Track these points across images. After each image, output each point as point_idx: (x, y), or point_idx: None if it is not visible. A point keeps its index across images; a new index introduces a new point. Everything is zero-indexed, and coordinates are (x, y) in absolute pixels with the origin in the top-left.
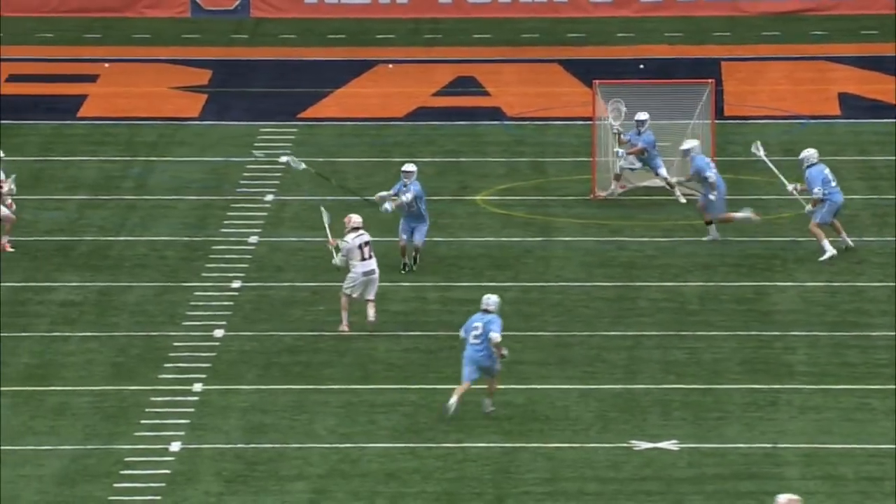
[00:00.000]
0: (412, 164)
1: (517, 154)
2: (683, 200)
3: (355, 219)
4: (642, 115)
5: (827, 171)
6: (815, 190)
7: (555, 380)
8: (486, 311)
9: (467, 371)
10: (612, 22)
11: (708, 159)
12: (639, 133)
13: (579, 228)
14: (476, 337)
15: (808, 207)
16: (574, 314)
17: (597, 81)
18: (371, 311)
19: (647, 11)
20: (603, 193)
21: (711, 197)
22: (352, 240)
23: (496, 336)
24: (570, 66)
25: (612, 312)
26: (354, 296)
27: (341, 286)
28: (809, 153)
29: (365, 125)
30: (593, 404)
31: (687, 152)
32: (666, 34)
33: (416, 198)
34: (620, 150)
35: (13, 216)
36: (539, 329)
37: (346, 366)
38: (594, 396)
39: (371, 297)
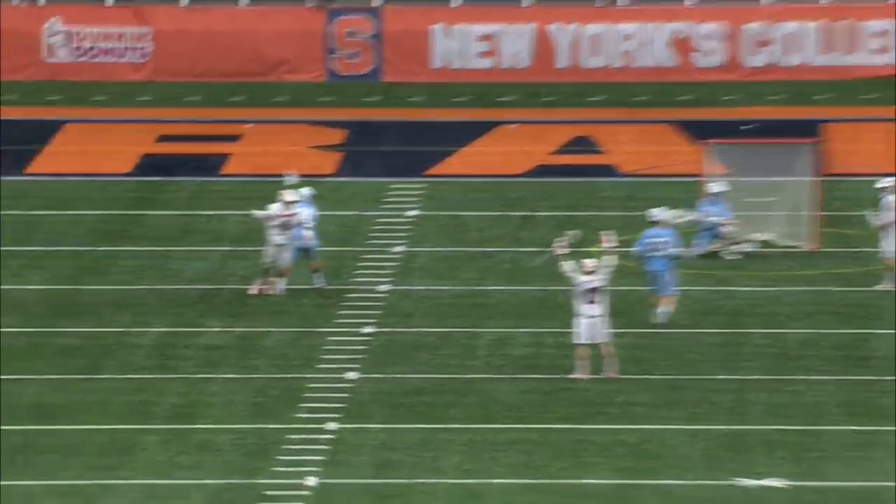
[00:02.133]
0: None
1: (632, 208)
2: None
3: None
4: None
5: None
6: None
7: (665, 420)
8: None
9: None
10: (720, 86)
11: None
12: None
13: (691, 278)
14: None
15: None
16: (683, 358)
17: (707, 141)
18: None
19: (751, 76)
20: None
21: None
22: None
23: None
24: (681, 126)
25: (720, 357)
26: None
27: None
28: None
29: (488, 181)
30: (701, 443)
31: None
32: (770, 97)
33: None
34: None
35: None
36: (650, 372)
37: (468, 406)
38: (702, 436)
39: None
